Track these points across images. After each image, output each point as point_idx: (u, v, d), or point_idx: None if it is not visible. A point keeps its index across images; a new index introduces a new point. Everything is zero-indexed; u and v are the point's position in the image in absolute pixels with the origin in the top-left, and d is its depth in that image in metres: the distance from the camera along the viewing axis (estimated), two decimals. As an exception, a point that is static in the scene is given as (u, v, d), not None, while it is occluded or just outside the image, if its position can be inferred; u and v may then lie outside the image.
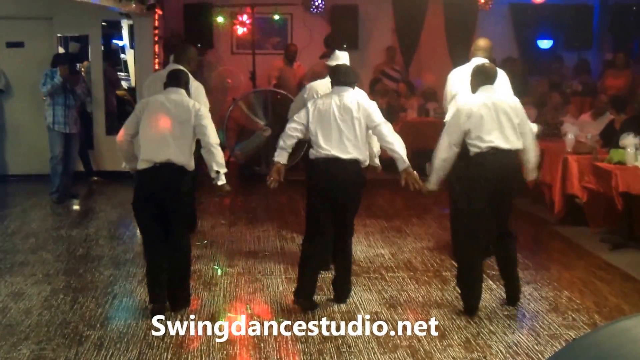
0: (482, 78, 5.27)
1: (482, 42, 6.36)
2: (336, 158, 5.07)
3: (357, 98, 5.21)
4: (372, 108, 5.18)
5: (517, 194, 5.66)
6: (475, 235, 5.09)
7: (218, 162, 5.04)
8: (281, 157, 5.24)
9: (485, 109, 5.08)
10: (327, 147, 5.08)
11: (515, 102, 5.28)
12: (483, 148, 5.06)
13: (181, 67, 5.69)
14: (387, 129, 5.15)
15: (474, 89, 5.29)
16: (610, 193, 6.51)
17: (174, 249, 5.06)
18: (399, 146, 5.11)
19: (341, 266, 5.34)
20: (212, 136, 5.04)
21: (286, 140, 5.22)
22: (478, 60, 6.05)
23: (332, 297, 5.35)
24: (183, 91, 5.16)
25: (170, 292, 5.06)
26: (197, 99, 5.53)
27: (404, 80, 11.52)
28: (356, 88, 5.39)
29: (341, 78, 5.28)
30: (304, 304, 5.14)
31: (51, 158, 8.76)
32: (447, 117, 5.94)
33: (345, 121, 5.10)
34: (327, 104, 5.15)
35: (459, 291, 5.26)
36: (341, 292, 5.33)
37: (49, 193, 8.74)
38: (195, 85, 5.90)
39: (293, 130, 5.20)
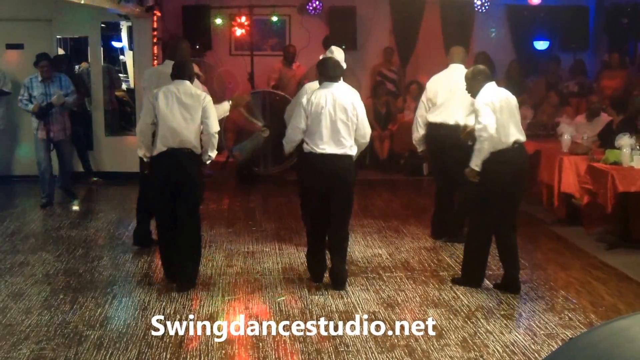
0: (482, 77, 5.40)
1: (457, 50, 6.91)
2: (331, 154, 5.35)
3: (351, 96, 5.52)
4: (362, 107, 5.59)
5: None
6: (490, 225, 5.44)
7: (213, 148, 5.56)
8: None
9: (505, 103, 5.30)
10: (323, 143, 5.34)
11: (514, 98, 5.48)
12: (509, 144, 5.27)
13: (185, 60, 5.95)
14: (368, 128, 5.62)
15: (477, 90, 5.38)
16: (606, 194, 6.54)
17: (187, 228, 5.53)
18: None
19: (338, 255, 5.59)
20: (214, 125, 5.51)
21: (291, 144, 5.64)
22: (456, 67, 6.48)
23: (329, 294, 5.42)
24: (188, 82, 5.58)
25: (183, 269, 5.54)
26: None
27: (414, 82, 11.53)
28: (342, 81, 5.69)
29: (330, 72, 5.55)
30: (315, 276, 5.62)
31: (37, 164, 8.56)
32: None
33: (341, 118, 5.36)
34: (322, 101, 5.37)
35: (467, 269, 5.60)
36: (339, 278, 5.56)
37: (41, 197, 8.60)
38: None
39: (296, 134, 5.54)
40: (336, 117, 5.33)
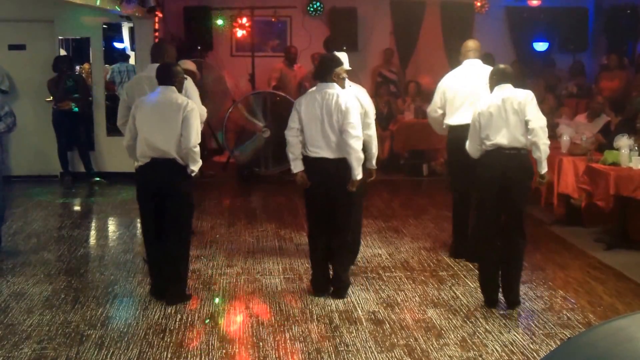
0: (497, 78, 5.33)
1: (471, 43, 6.47)
2: (325, 159, 5.25)
3: (342, 98, 5.24)
4: (354, 106, 5.27)
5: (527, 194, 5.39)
6: (486, 232, 5.25)
7: (194, 162, 5.12)
8: (297, 166, 5.35)
9: (495, 107, 5.18)
10: (316, 147, 5.26)
11: (526, 97, 5.14)
12: (489, 146, 5.17)
13: (171, 62, 5.65)
14: (356, 135, 5.21)
15: (492, 90, 5.36)
16: (605, 194, 6.57)
17: (172, 242, 5.24)
18: (357, 159, 5.22)
19: (339, 262, 5.47)
20: (192, 139, 5.06)
21: (294, 150, 5.34)
22: (471, 62, 6.25)
23: (329, 294, 5.44)
24: (174, 88, 5.21)
25: (167, 285, 5.29)
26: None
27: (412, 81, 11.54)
28: (352, 84, 5.59)
29: (320, 72, 5.38)
30: (318, 293, 5.46)
31: None
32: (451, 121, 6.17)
33: (329, 122, 5.22)
34: (311, 105, 5.27)
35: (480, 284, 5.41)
36: (339, 287, 5.47)
37: None
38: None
39: (294, 138, 5.32)
40: (324, 121, 5.20)
